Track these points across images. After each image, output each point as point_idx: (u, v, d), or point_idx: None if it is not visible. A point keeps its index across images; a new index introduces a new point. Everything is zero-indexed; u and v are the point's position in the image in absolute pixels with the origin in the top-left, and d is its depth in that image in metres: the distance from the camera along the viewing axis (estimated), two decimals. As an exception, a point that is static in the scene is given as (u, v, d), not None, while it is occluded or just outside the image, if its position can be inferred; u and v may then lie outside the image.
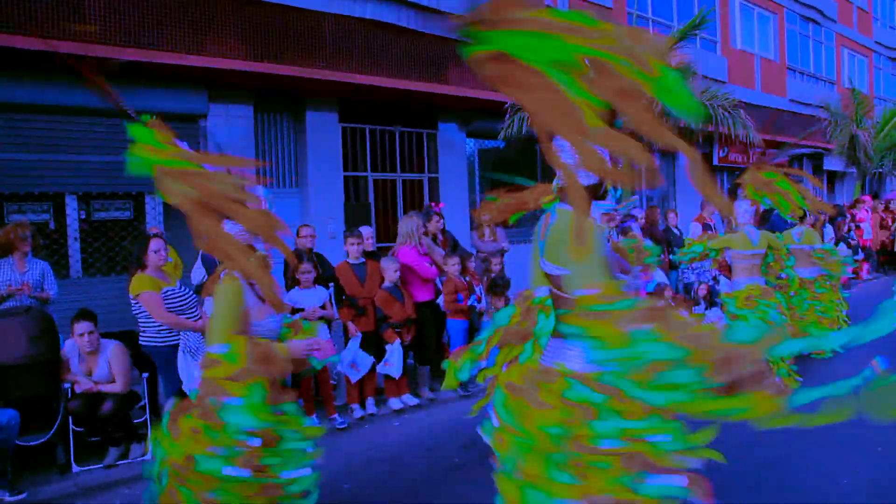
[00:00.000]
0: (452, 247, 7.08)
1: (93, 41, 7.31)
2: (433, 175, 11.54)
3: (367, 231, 6.46)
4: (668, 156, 16.35)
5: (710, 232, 8.76)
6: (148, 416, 5.06)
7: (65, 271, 7.69)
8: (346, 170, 10.42)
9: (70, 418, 4.71)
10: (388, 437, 5.40)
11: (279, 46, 8.92)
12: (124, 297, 5.10)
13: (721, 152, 16.89)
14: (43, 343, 4.70)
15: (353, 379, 5.80)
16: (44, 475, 4.66)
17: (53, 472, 4.70)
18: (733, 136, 10.49)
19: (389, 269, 5.96)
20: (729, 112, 9.85)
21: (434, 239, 6.66)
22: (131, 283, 4.83)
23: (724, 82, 15.62)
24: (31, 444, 4.70)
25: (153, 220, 8.25)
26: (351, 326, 5.80)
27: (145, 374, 5.12)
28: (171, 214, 8.66)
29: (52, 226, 7.96)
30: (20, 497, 4.36)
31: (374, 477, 4.55)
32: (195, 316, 4.88)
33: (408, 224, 6.41)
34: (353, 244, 6.01)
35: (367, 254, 6.23)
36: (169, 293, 4.78)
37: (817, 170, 20.63)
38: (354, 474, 4.59)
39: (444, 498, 4.11)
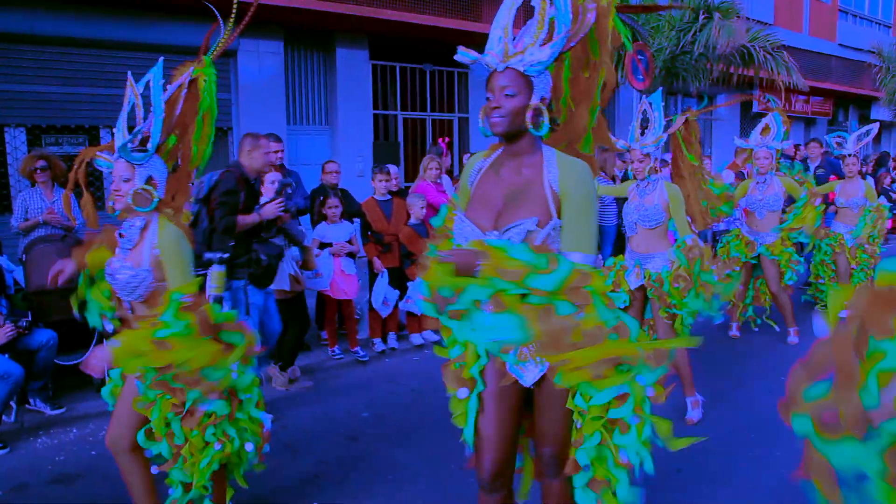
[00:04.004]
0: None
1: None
2: (463, 115, 11.44)
3: (394, 170, 6.48)
4: (702, 101, 15.90)
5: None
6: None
7: (100, 203, 7.90)
8: (375, 108, 10.39)
9: (104, 341, 4.91)
10: (408, 371, 5.54)
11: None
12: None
13: (763, 98, 16.34)
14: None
15: (384, 314, 5.92)
16: (81, 392, 4.91)
17: (89, 390, 4.94)
18: (776, 81, 10.13)
19: (416, 206, 6.00)
20: (771, 55, 9.47)
21: (450, 174, 6.73)
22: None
23: (768, 24, 14.98)
24: (69, 363, 4.94)
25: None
26: (377, 262, 5.89)
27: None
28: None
29: (87, 158, 8.13)
30: (59, 411, 4.62)
31: (392, 407, 4.69)
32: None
33: (426, 161, 6.50)
34: (381, 181, 6.04)
35: (392, 192, 6.26)
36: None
37: (864, 119, 19.86)
38: (373, 404, 4.75)
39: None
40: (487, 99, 2.08)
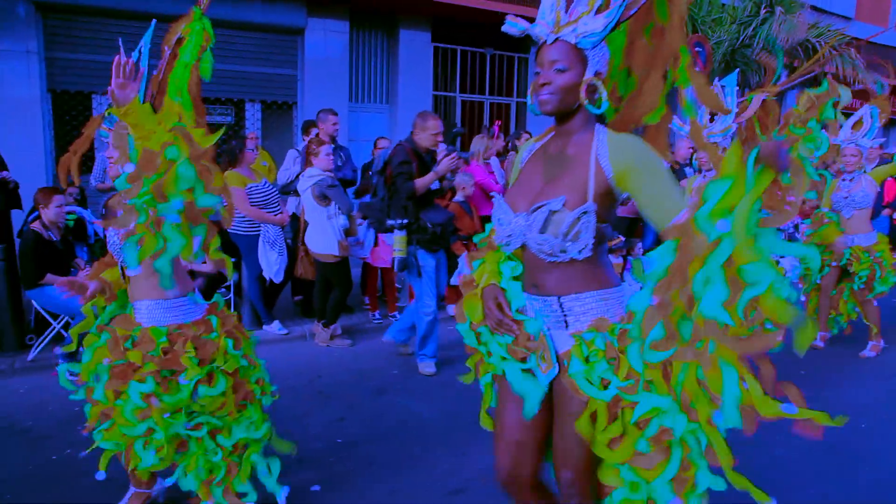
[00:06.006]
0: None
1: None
2: (521, 100, 11.61)
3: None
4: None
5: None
6: (232, 295, 5.77)
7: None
8: (435, 89, 10.70)
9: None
10: (441, 338, 5.87)
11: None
12: (218, 190, 5.75)
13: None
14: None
15: (421, 283, 6.27)
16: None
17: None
18: (842, 78, 9.89)
19: (466, 185, 6.31)
20: (836, 50, 9.26)
21: (499, 155, 7.01)
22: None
23: (848, 19, 14.46)
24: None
25: (252, 126, 8.92)
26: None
27: (232, 259, 5.77)
28: (269, 122, 9.31)
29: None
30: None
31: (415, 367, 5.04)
32: (276, 211, 5.47)
33: (477, 143, 6.75)
34: (426, 158, 6.38)
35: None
36: (253, 189, 5.36)
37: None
38: (403, 364, 5.14)
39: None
40: (537, 73, 1.87)
